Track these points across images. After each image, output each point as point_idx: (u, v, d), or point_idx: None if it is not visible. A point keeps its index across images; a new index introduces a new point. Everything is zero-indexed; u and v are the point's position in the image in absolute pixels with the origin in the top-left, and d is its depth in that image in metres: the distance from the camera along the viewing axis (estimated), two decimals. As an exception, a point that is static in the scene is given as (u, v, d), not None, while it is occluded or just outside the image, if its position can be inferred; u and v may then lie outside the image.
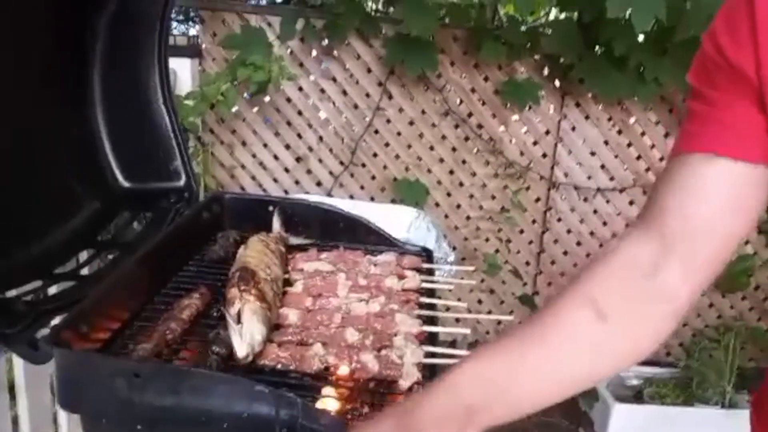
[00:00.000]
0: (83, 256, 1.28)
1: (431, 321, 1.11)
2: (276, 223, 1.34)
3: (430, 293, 1.21)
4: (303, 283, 1.15)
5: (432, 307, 1.17)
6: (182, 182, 1.38)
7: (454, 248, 2.96)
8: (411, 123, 2.84)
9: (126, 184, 1.35)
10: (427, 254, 1.39)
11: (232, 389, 0.77)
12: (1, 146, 1.04)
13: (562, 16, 2.74)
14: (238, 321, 0.90)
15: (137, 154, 1.35)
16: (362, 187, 2.92)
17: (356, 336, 0.99)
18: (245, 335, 0.89)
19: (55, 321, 0.93)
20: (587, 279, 0.68)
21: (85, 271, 1.28)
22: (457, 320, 1.59)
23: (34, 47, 1.11)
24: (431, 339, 1.06)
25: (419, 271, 1.28)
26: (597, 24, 2.30)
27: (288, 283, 1.17)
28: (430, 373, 0.93)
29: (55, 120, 1.22)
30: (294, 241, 1.34)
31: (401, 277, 1.22)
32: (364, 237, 1.42)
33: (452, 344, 1.45)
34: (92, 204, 1.30)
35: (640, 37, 2.44)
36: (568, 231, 2.98)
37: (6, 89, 1.04)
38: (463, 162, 2.89)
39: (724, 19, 0.63)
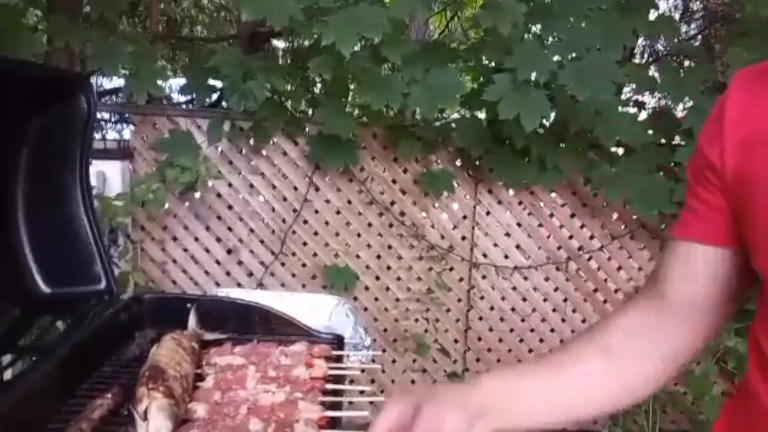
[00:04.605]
0: (6, 359, 1.33)
1: (334, 406, 1.21)
2: (192, 321, 1.43)
3: (337, 380, 1.31)
4: (214, 378, 1.23)
5: (337, 393, 1.27)
6: (103, 285, 1.46)
7: (385, 330, 3.07)
8: (338, 212, 3.01)
9: (47, 290, 1.42)
10: (338, 342, 1.50)
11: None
12: None
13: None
14: (145, 417, 0.98)
15: (58, 261, 1.43)
16: (293, 275, 3.02)
17: (259, 425, 1.08)
18: (151, 431, 0.97)
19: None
20: (606, 326, 0.82)
21: (8, 375, 1.32)
22: (371, 403, 1.68)
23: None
24: (334, 423, 1.16)
25: (329, 358, 1.38)
26: (498, 121, 2.55)
27: (200, 378, 1.25)
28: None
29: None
30: (209, 336, 1.42)
31: (310, 365, 1.32)
32: (280, 328, 1.52)
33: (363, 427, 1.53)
34: (13, 310, 1.37)
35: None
36: (491, 308, 3.14)
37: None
38: (389, 247, 3.05)
39: (706, 124, 0.77)
